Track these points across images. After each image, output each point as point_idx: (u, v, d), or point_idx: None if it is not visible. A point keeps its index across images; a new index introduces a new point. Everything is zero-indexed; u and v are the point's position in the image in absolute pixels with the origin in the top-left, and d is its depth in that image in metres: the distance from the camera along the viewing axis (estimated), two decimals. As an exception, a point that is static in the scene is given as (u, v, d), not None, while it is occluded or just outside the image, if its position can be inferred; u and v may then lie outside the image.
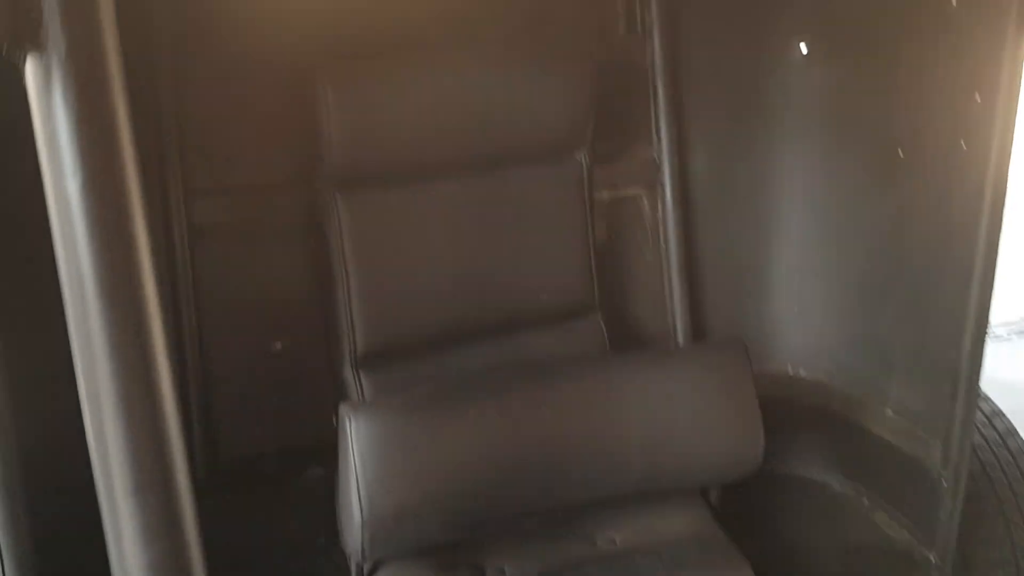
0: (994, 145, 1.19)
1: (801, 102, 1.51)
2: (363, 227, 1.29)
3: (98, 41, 0.42)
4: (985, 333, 1.27)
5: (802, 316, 1.58)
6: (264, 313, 1.37)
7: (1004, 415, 1.51)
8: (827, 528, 1.53)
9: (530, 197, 1.40)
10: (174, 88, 1.25)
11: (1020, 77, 1.17)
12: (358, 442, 1.07)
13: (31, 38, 0.41)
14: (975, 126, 1.23)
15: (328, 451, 1.18)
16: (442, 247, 1.34)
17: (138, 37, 1.20)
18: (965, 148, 1.26)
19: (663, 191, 1.54)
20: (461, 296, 1.36)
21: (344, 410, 1.11)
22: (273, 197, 1.35)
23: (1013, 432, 1.48)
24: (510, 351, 1.41)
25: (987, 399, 1.53)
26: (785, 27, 1.50)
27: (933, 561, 1.31)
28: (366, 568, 1.20)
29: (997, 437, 1.46)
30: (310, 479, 1.41)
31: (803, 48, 1.50)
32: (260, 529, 1.37)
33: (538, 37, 1.43)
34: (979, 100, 1.23)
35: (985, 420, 1.48)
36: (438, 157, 1.32)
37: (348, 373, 1.35)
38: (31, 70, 0.43)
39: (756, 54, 1.52)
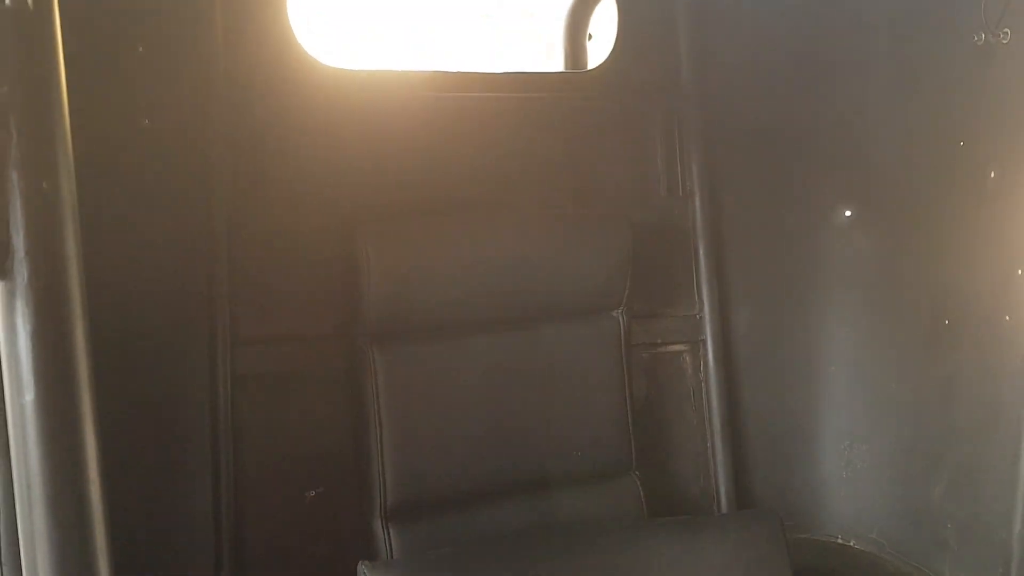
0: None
1: (846, 265, 1.51)
2: (398, 380, 1.31)
3: (61, 270, 0.47)
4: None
5: (851, 483, 1.53)
6: (301, 461, 1.39)
7: None
8: None
9: (565, 354, 1.41)
10: (227, 236, 1.30)
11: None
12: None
13: (-1, 263, 0.46)
14: (1018, 299, 1.21)
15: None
16: (476, 402, 1.35)
17: (195, 187, 1.27)
18: (1009, 319, 1.24)
19: (705, 349, 1.54)
20: (494, 452, 1.36)
21: (362, 569, 1.11)
22: (317, 347, 1.38)
23: None
24: (543, 510, 1.39)
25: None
26: (829, 191, 1.51)
27: None
28: None
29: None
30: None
31: (847, 213, 1.51)
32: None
33: (579, 199, 1.47)
34: (1021, 274, 1.21)
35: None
36: (475, 314, 1.34)
37: (377, 525, 1.35)
38: None
39: (799, 217, 1.53)
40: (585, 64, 1.71)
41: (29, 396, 0.45)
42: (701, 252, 1.52)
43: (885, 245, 1.46)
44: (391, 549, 1.32)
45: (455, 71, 1.43)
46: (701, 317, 1.54)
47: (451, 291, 1.31)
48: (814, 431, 1.55)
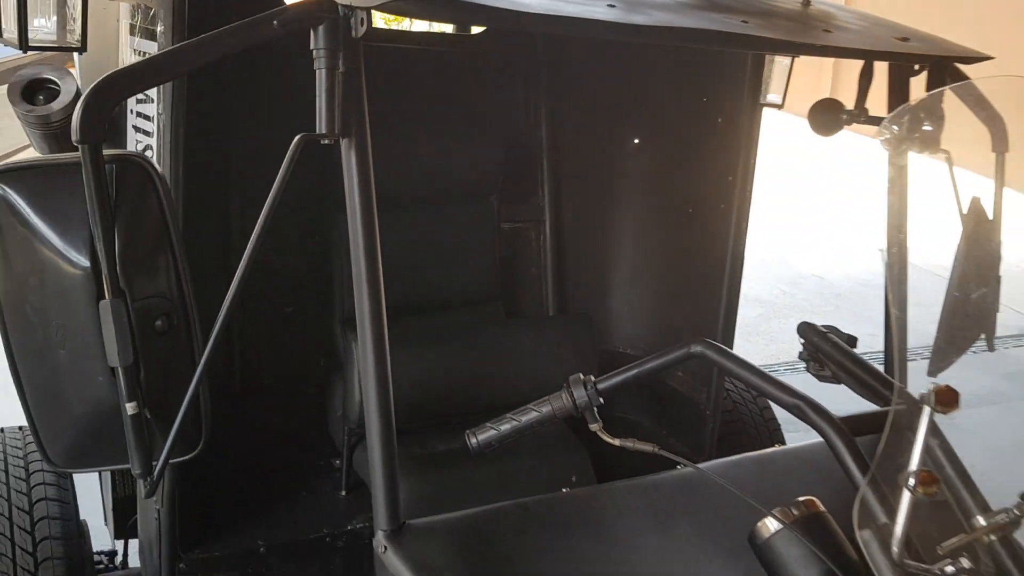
0: (735, 207, 2.07)
1: (634, 175, 2.37)
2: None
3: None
4: (734, 323, 2.14)
5: (631, 311, 2.42)
6: (280, 283, 2.09)
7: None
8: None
9: (458, 224, 2.19)
10: None
11: (753, 167, 2.07)
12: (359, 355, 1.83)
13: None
14: (729, 195, 2.11)
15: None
16: (398, 256, 2.10)
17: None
18: (723, 207, 2.15)
19: (544, 226, 2.36)
20: (411, 283, 2.12)
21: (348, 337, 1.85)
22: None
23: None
24: (440, 323, 2.18)
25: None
26: (626, 127, 2.35)
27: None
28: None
29: (743, 386, 2.35)
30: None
31: (635, 141, 2.36)
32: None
33: (469, 124, 2.24)
34: (731, 180, 2.12)
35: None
36: (390, 191, 2.10)
37: (338, 329, 2.09)
38: None
39: (607, 142, 2.36)
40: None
41: None
42: (544, 163, 2.34)
43: (656, 162, 2.33)
44: (346, 347, 2.03)
45: (392, 28, 2.16)
46: (543, 205, 2.36)
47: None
48: (609, 280, 2.42)
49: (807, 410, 1.09)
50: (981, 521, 0.97)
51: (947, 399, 0.91)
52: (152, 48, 1.53)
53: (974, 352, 4.05)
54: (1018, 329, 5.54)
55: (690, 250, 2.26)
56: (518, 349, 2.07)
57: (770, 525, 1.14)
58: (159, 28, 1.49)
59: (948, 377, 1.16)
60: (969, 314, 1.47)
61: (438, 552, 1.16)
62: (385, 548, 1.15)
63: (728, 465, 1.42)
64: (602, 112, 2.33)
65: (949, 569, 0.91)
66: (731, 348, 2.16)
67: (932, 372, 1.22)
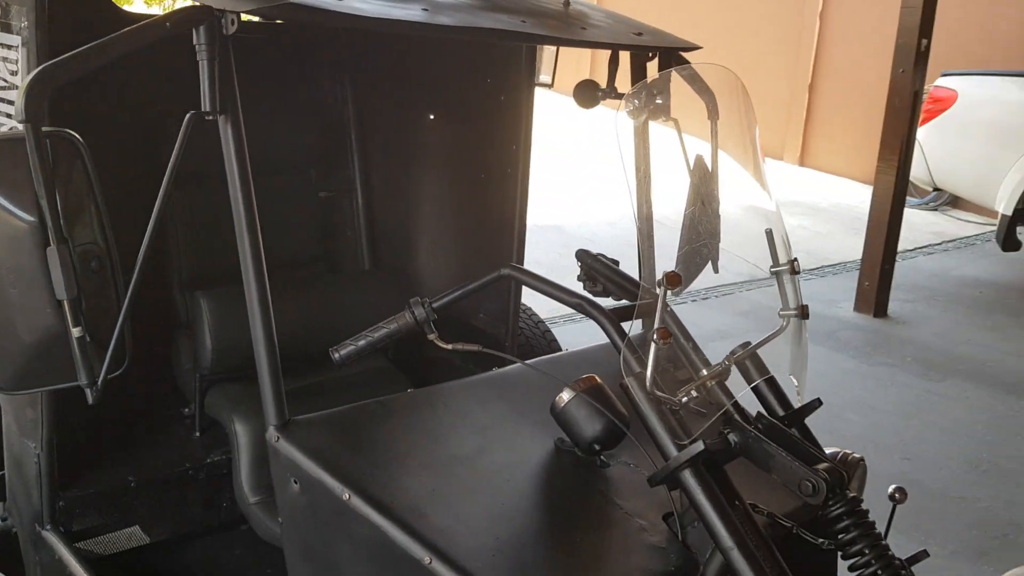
0: (519, 172, 2.50)
1: (433, 145, 2.74)
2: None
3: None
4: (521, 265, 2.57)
5: (436, 265, 2.79)
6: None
7: (535, 313, 2.87)
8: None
9: (283, 195, 2.48)
10: None
11: (531, 137, 2.50)
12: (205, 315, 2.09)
13: None
14: (515, 162, 2.54)
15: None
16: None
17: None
18: (510, 171, 2.57)
19: (356, 193, 2.68)
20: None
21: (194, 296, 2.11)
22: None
23: (539, 321, 2.83)
24: (275, 281, 2.46)
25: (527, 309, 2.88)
26: (424, 104, 2.72)
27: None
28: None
29: (533, 324, 2.80)
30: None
31: (431, 116, 2.73)
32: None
33: (287, 103, 2.52)
34: (515, 148, 2.54)
35: (526, 314, 2.82)
36: None
37: (176, 293, 2.33)
38: None
39: (410, 117, 2.71)
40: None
41: None
42: (353, 138, 2.66)
43: (451, 134, 2.71)
44: (193, 305, 2.28)
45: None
46: (353, 176, 2.68)
47: None
48: (416, 239, 2.78)
49: (587, 306, 1.51)
50: (704, 372, 1.44)
51: (673, 281, 1.35)
52: (14, 40, 1.73)
53: (717, 297, 4.86)
54: (749, 275, 6.42)
55: (484, 210, 2.66)
56: (341, 300, 2.40)
57: (565, 396, 1.56)
58: (22, 23, 1.70)
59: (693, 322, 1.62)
60: (698, 245, 1.96)
61: (319, 438, 1.50)
62: (277, 438, 1.47)
63: (533, 362, 1.85)
64: (402, 92, 2.67)
65: (684, 399, 1.36)
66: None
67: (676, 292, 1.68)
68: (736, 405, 1.44)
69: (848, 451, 1.73)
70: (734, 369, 1.50)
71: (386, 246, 2.74)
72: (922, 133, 6.52)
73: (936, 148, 6.40)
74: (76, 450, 2.01)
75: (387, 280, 2.55)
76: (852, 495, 1.36)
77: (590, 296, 1.59)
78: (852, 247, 6.53)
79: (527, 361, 1.82)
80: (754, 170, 1.73)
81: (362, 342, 1.58)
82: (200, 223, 2.28)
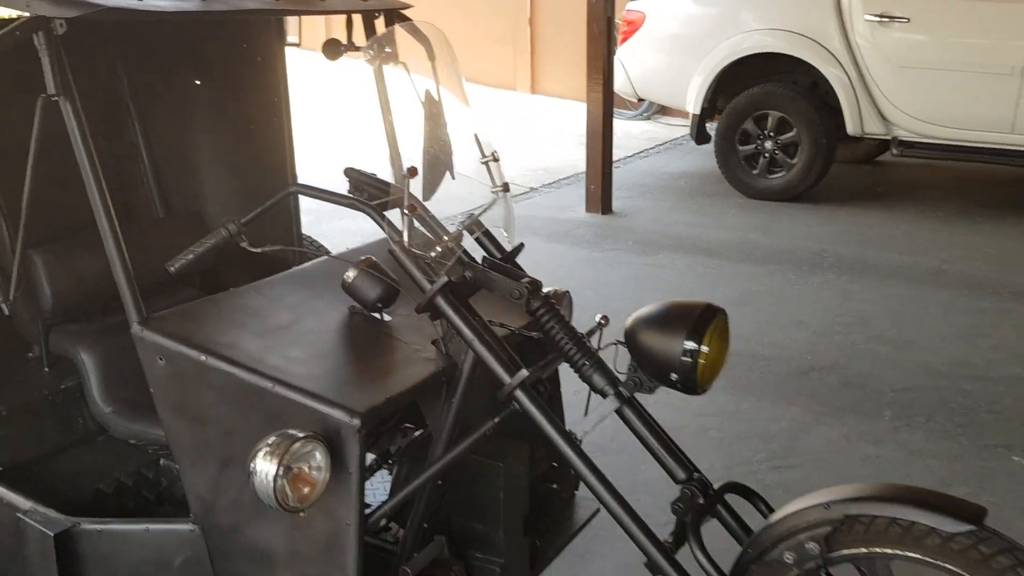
0: (284, 121, 3.04)
1: (205, 105, 3.20)
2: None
3: None
4: (298, 200, 3.13)
5: (222, 203, 3.27)
6: None
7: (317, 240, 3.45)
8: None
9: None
10: None
11: (287, 89, 3.05)
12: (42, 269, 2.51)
13: None
14: (278, 112, 3.07)
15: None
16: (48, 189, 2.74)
17: None
18: (275, 121, 3.10)
19: (141, 153, 3.10)
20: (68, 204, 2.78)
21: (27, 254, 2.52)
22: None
23: (320, 246, 3.42)
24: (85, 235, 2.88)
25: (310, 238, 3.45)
26: (190, 70, 3.16)
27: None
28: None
29: (315, 249, 3.39)
30: None
31: (197, 82, 3.19)
32: None
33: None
34: (276, 100, 3.07)
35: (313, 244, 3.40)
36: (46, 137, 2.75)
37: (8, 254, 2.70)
38: None
39: (178, 83, 3.15)
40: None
41: None
42: (131, 106, 3.07)
43: (219, 94, 3.18)
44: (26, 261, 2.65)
45: None
46: (137, 140, 3.09)
47: None
48: (203, 187, 3.25)
49: (359, 204, 2.12)
50: (445, 237, 2.09)
51: (412, 172, 1.99)
52: None
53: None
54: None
55: (257, 155, 3.18)
56: (142, 244, 2.86)
57: (350, 273, 2.17)
58: None
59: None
60: (436, 161, 2.61)
61: (173, 324, 2.02)
62: (142, 330, 1.99)
63: (332, 256, 2.45)
64: (171, 63, 3.11)
65: (432, 253, 2.02)
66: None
67: (425, 197, 2.32)
68: (466, 253, 2.11)
69: (556, 288, 2.48)
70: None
71: (177, 196, 3.19)
72: (621, 52, 7.53)
73: (634, 63, 7.42)
74: None
75: (181, 224, 3.02)
76: (549, 299, 2.07)
77: (363, 200, 2.20)
78: (583, 159, 7.45)
79: (330, 255, 2.41)
80: (460, 94, 2.38)
81: (191, 256, 2.10)
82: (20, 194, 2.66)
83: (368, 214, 2.12)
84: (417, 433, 2.34)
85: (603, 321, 2.30)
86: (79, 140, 1.93)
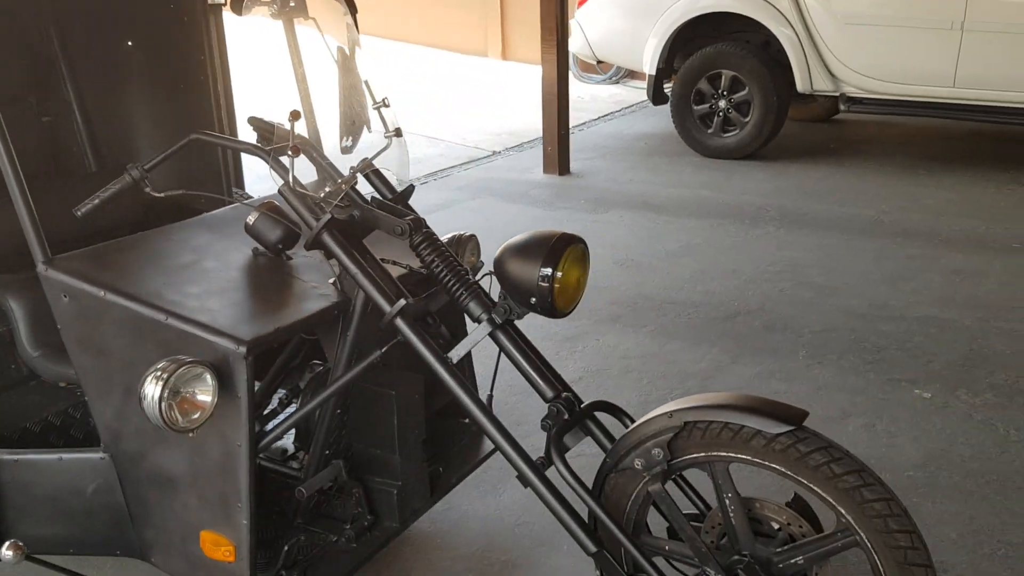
0: (218, 77, 3.16)
1: (137, 66, 3.32)
2: None
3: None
4: (232, 155, 3.26)
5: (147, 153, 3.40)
6: None
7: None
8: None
9: (11, 119, 3.00)
10: None
11: (224, 48, 3.17)
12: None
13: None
14: (206, 69, 3.19)
15: None
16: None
17: None
18: (203, 79, 3.22)
19: (75, 114, 3.23)
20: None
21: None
22: None
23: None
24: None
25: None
26: (121, 34, 3.28)
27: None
28: None
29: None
30: None
31: (129, 43, 3.31)
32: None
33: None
34: (203, 58, 3.19)
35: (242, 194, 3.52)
36: None
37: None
38: None
39: (111, 48, 3.27)
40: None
41: None
42: (63, 67, 3.19)
43: (150, 55, 3.30)
44: None
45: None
46: (69, 100, 3.21)
47: None
48: (138, 144, 3.38)
49: (255, 149, 2.25)
50: (339, 180, 2.23)
51: (295, 115, 2.12)
52: None
53: (436, 179, 5.87)
54: (468, 158, 7.37)
55: (187, 114, 3.31)
56: (76, 196, 2.99)
57: (252, 216, 2.31)
58: None
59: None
60: (352, 116, 2.74)
61: (76, 264, 2.16)
62: (47, 269, 2.13)
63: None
64: (101, 26, 3.23)
65: (321, 193, 2.15)
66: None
67: (344, 151, 2.46)
68: (358, 194, 2.24)
69: (462, 232, 2.62)
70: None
71: (109, 152, 3.32)
72: (579, 14, 7.62)
73: (593, 26, 7.51)
74: None
75: (112, 177, 3.14)
76: (428, 231, 2.20)
77: (264, 147, 2.32)
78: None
79: (240, 202, 2.55)
80: (350, 41, 2.51)
81: (96, 200, 2.24)
82: None
83: (262, 158, 2.25)
84: (320, 368, 2.49)
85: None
86: None
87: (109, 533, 2.26)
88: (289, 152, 2.10)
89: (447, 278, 2.14)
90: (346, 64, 2.68)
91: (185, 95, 3.27)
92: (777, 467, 1.82)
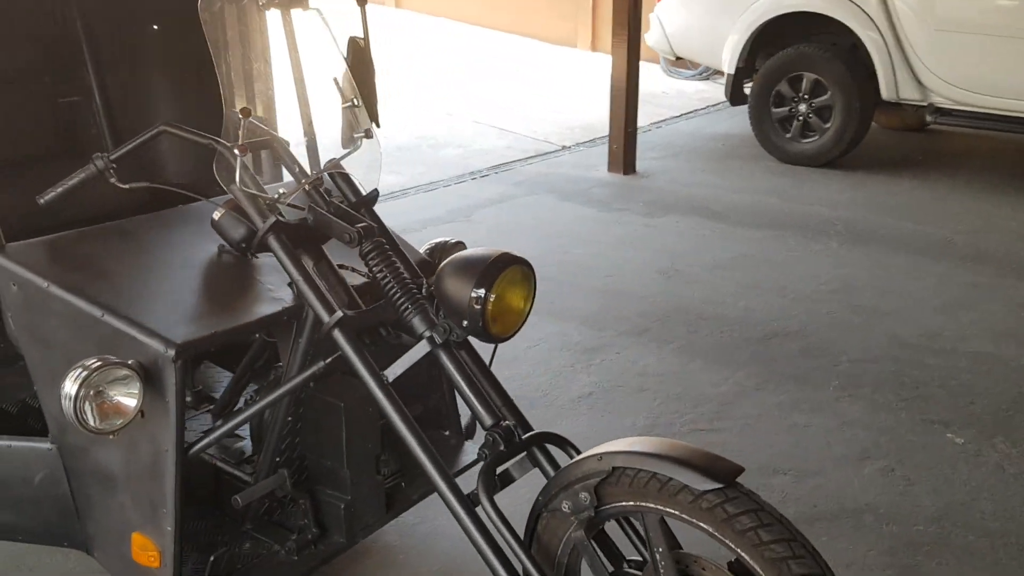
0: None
1: (159, 51, 3.32)
2: None
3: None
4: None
5: (173, 151, 3.41)
6: None
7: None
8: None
9: (24, 98, 3.04)
10: None
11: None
12: None
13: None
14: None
15: None
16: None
17: None
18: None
19: (95, 97, 3.25)
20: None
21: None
22: None
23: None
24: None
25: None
26: (147, 17, 3.28)
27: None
28: None
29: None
30: None
31: (155, 27, 3.31)
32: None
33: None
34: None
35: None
36: None
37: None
38: None
39: (135, 31, 3.28)
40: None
41: None
42: (85, 48, 3.21)
43: (172, 40, 3.29)
44: None
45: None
46: (90, 83, 3.24)
47: None
48: (149, 123, 3.38)
49: (217, 143, 2.19)
50: (306, 175, 2.15)
51: (245, 112, 2.04)
52: None
53: (497, 173, 5.76)
54: (535, 151, 7.24)
55: (208, 100, 3.28)
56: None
57: (217, 213, 2.25)
58: None
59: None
60: (356, 107, 2.64)
61: (27, 254, 2.14)
62: (-3, 257, 2.12)
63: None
64: (126, 9, 3.24)
65: (276, 195, 2.07)
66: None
67: (346, 146, 2.38)
68: (323, 196, 2.15)
69: (448, 239, 2.51)
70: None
71: (129, 136, 3.33)
72: (659, 9, 7.37)
73: (672, 21, 7.26)
74: None
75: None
76: (379, 240, 2.09)
77: (219, 139, 2.26)
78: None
79: (207, 200, 2.51)
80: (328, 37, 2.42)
81: (60, 188, 2.21)
82: None
83: (222, 153, 2.18)
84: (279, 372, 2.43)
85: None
86: None
87: (56, 524, 2.25)
88: (236, 151, 2.02)
89: (392, 290, 2.04)
90: (359, 55, 2.57)
91: (207, 81, 3.24)
92: (704, 526, 1.66)
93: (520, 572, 1.84)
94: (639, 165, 6.66)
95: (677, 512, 1.68)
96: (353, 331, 1.99)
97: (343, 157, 2.32)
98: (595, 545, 1.84)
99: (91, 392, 1.86)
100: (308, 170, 2.33)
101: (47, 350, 2.13)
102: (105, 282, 2.11)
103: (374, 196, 2.27)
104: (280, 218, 2.04)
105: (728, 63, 6.88)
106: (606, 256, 4.91)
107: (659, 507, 1.71)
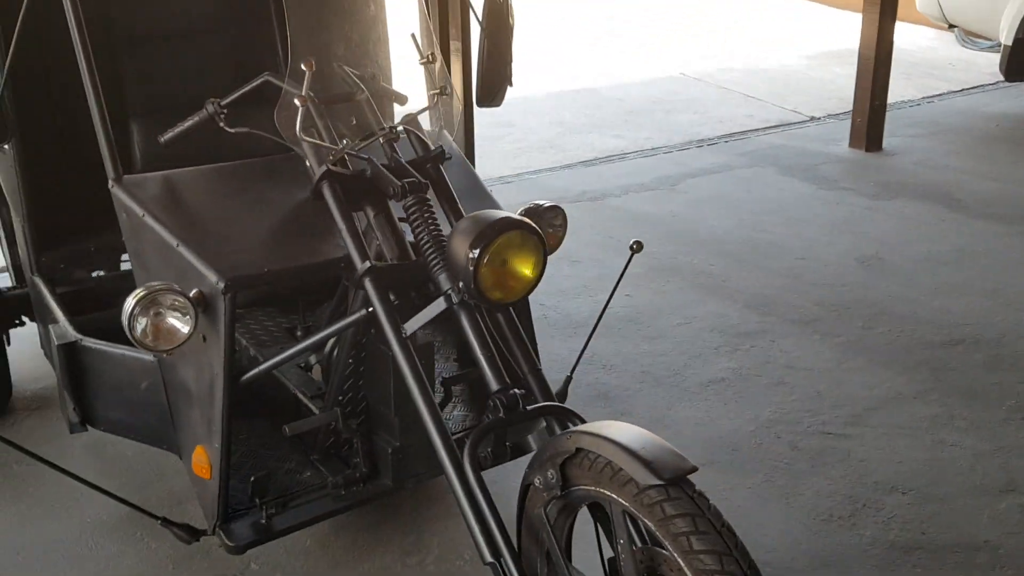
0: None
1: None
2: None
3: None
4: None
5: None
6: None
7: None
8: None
9: (200, 52, 3.35)
10: None
11: None
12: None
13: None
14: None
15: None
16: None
17: None
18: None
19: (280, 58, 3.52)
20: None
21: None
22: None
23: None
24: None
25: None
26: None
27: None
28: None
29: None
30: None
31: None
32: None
33: None
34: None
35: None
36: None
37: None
38: None
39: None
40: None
41: None
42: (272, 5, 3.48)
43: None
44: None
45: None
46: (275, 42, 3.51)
47: None
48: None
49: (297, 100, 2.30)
50: (376, 132, 2.22)
51: (309, 66, 2.12)
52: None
53: (727, 142, 5.64)
54: (779, 121, 6.87)
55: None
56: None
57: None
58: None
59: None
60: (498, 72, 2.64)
61: (138, 187, 2.38)
62: (113, 185, 2.38)
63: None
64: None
65: (340, 145, 2.16)
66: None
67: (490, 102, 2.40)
68: (392, 148, 2.19)
69: (542, 202, 2.48)
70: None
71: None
72: (933, -30, 6.63)
73: (947, -16, 6.51)
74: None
75: None
76: (423, 197, 2.11)
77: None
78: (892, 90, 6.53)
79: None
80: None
81: (179, 129, 2.44)
82: None
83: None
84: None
85: (635, 247, 2.28)
86: (75, 31, 2.30)
87: (157, 428, 2.53)
88: (296, 101, 2.12)
89: (425, 245, 2.06)
90: (496, 13, 2.55)
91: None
92: (647, 522, 1.54)
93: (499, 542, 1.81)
94: (888, 142, 6.08)
95: (625, 503, 1.58)
96: (383, 282, 2.04)
97: (419, 112, 2.36)
98: (551, 526, 1.77)
99: (149, 311, 2.06)
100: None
101: (144, 272, 2.38)
102: (191, 217, 2.31)
103: (439, 153, 2.29)
104: (332, 168, 2.12)
105: (1006, 33, 6.06)
106: (804, 237, 4.57)
107: (613, 496, 1.61)
